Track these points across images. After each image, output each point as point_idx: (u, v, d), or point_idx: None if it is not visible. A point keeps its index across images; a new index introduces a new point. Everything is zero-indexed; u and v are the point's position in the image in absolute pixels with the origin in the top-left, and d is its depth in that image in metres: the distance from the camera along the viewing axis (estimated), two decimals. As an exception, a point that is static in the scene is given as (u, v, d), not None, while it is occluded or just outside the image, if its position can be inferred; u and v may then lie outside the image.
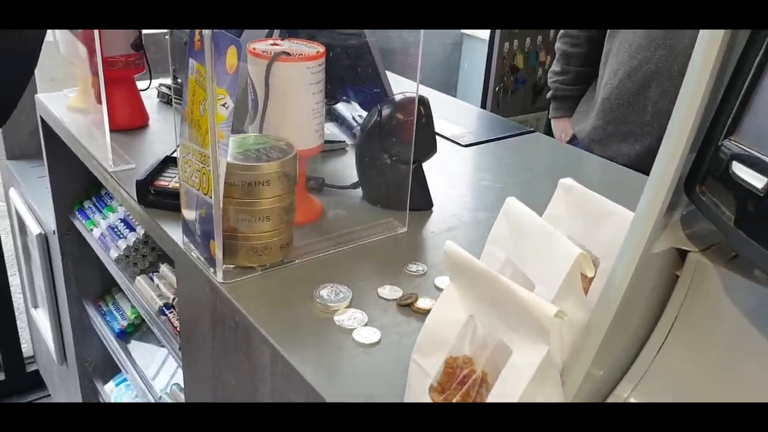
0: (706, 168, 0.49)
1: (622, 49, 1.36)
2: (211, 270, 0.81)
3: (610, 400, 0.56)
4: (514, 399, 0.49)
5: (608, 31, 1.44)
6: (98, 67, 0.98)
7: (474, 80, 3.19)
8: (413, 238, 0.93)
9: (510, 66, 2.77)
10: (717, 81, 0.46)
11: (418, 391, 0.58)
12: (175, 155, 1.02)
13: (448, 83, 3.54)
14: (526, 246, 0.59)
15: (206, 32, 0.69)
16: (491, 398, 0.51)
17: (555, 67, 1.60)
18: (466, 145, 1.25)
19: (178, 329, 1.16)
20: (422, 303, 0.77)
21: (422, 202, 0.99)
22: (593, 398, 0.55)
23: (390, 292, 0.79)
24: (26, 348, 2.19)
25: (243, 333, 0.77)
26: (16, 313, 2.10)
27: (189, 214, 0.84)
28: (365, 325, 0.74)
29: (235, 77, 0.72)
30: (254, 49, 0.86)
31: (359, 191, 1.03)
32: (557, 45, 1.59)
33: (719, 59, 0.44)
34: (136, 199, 0.98)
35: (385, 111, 0.94)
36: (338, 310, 0.76)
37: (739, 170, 0.46)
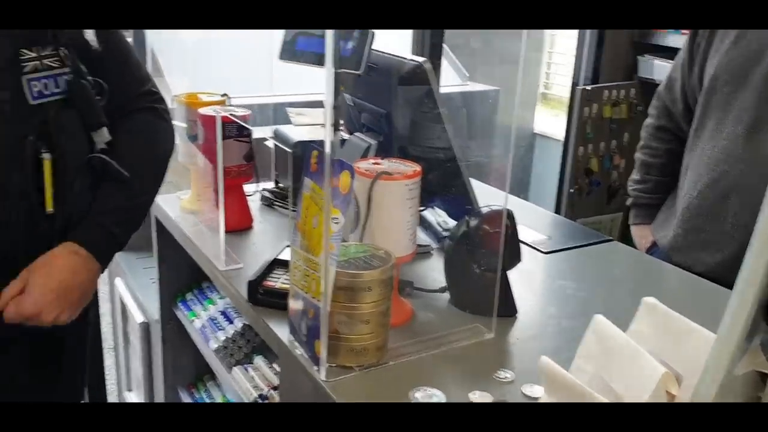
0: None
1: (701, 162, 1.42)
2: (315, 368, 0.89)
3: None
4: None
5: (687, 145, 1.51)
6: (219, 175, 1.11)
7: (548, 180, 3.26)
8: (500, 345, 0.99)
9: (585, 169, 2.84)
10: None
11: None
12: (280, 258, 1.13)
13: (520, 182, 3.63)
14: (613, 363, 0.65)
15: (327, 159, 0.79)
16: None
17: (635, 175, 1.68)
18: (547, 252, 1.31)
19: (270, 420, 1.23)
20: (511, 408, 0.81)
21: (507, 309, 1.05)
22: None
23: (480, 397, 0.85)
24: None
25: (342, 429, 0.83)
26: (108, 395, 2.22)
27: (296, 314, 0.93)
28: (457, 427, 0.79)
29: (347, 197, 0.82)
30: (359, 168, 0.97)
31: (445, 295, 1.10)
32: (636, 155, 1.68)
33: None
34: (245, 297, 1.07)
35: (473, 222, 1.03)
36: (432, 412, 0.81)
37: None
